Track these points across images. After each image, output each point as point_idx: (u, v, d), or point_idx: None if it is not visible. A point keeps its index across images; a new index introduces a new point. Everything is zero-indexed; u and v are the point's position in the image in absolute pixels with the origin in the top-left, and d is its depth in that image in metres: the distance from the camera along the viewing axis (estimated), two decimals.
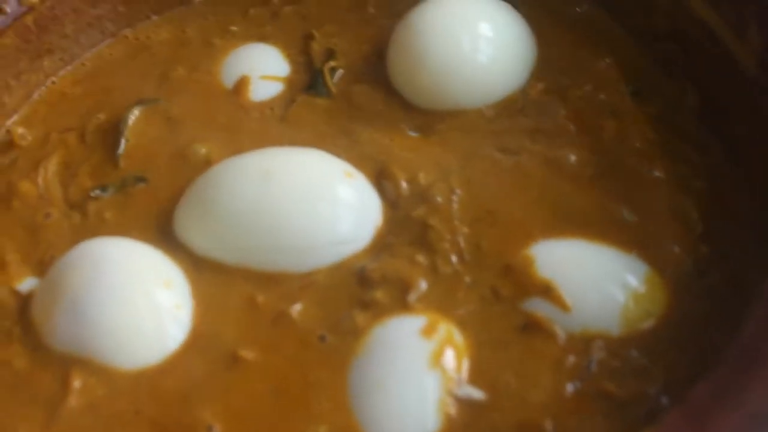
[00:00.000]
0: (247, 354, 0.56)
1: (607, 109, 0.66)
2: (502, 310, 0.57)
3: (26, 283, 0.60)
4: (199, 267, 0.60)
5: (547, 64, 0.68)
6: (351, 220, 0.60)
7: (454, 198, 0.61)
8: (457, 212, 0.61)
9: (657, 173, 0.62)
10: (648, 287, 0.57)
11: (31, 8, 0.70)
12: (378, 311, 0.57)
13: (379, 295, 0.57)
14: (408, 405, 0.53)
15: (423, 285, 0.58)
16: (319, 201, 0.59)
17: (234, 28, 0.74)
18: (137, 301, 0.56)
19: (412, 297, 0.57)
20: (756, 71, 0.60)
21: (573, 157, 0.63)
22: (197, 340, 0.57)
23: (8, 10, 0.69)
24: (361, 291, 0.58)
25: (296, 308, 0.58)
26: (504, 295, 0.57)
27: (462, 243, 0.59)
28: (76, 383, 0.55)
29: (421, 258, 0.59)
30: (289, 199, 0.59)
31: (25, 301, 0.59)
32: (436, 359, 0.54)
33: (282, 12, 0.75)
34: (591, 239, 0.59)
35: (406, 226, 0.60)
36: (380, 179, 0.63)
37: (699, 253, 0.58)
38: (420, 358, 0.54)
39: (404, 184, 0.62)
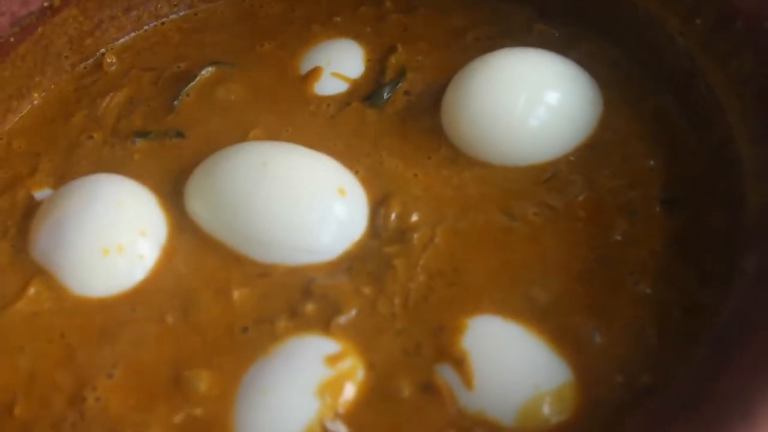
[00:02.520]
0: (171, 319, 0.61)
1: (628, 209, 0.64)
2: (415, 365, 0.58)
3: (44, 192, 0.68)
4: (183, 228, 0.65)
5: (594, 146, 0.67)
6: (323, 234, 0.63)
7: (430, 247, 0.62)
8: (425, 261, 0.62)
9: (643, 288, 0.60)
10: (558, 398, 0.56)
11: None
12: (301, 323, 0.60)
13: (310, 309, 0.60)
14: (279, 418, 0.56)
15: (353, 315, 0.60)
16: (301, 206, 0.63)
17: (338, 19, 0.77)
18: (108, 240, 0.63)
19: (337, 322, 0.59)
20: None
21: (567, 245, 0.62)
22: (143, 291, 0.63)
23: None
24: (299, 300, 0.61)
25: (241, 292, 0.61)
26: (424, 353, 0.59)
27: (412, 291, 0.61)
28: (31, 290, 0.63)
29: (367, 291, 0.61)
30: (276, 194, 0.63)
31: (33, 208, 0.67)
32: (325, 388, 0.57)
33: (389, 18, 0.77)
34: (533, 329, 0.59)
35: (373, 257, 0.63)
36: (378, 206, 0.65)
37: (637, 385, 0.56)
38: (311, 382, 0.57)
39: (393, 218, 0.64)
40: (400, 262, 0.62)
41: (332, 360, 0.58)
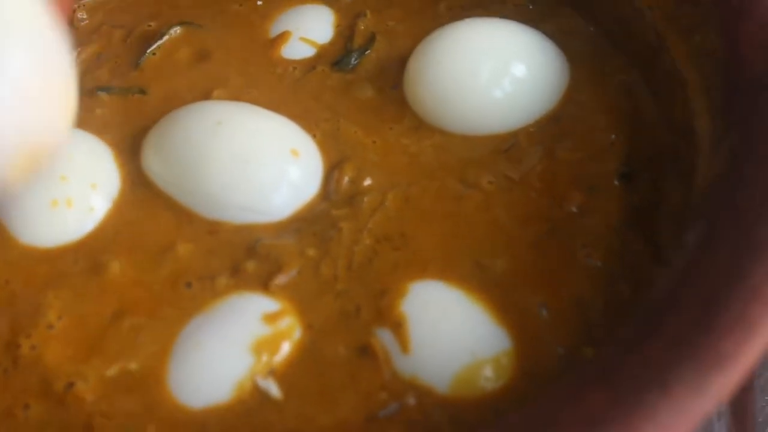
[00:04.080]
0: (116, 267, 0.61)
1: (585, 182, 0.63)
2: (353, 328, 0.58)
3: None
4: (137, 183, 0.65)
5: (558, 119, 0.66)
6: (274, 195, 0.63)
7: (379, 210, 0.62)
8: (372, 225, 0.62)
9: (594, 262, 0.60)
10: (495, 366, 0.55)
11: None
12: (241, 281, 0.60)
13: (251, 267, 0.60)
14: (212, 372, 0.56)
15: (294, 275, 0.59)
16: (251, 165, 0.63)
17: None
18: (57, 192, 0.63)
19: (277, 282, 0.59)
20: None
21: (520, 215, 0.62)
22: (88, 243, 0.63)
23: None
24: (242, 258, 0.61)
25: (187, 247, 0.62)
26: (363, 316, 0.58)
27: (357, 254, 0.60)
28: None
29: (311, 252, 0.61)
30: (227, 153, 0.63)
31: None
32: (261, 346, 0.57)
33: None
34: (477, 297, 0.58)
35: (321, 219, 0.63)
36: (332, 169, 0.65)
37: (580, 357, 0.56)
38: (246, 338, 0.57)
39: (346, 181, 0.64)
40: (347, 225, 0.62)
41: (270, 318, 0.57)
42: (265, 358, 0.56)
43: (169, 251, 0.62)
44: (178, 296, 0.60)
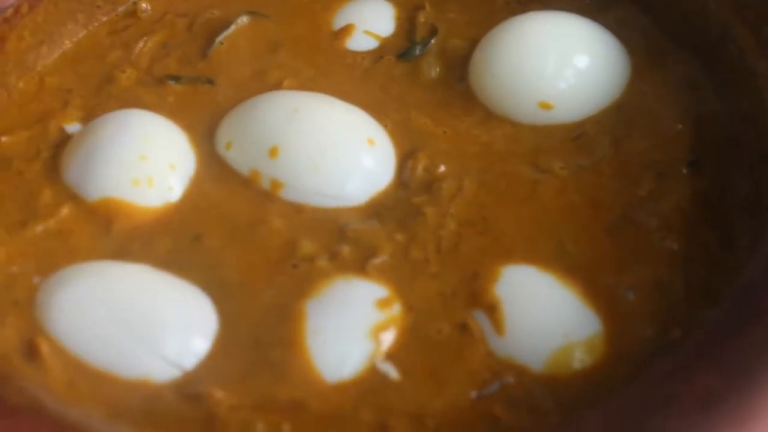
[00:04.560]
0: (212, 242, 0.62)
1: (654, 168, 0.65)
2: (449, 309, 0.59)
3: (74, 126, 0.69)
4: (213, 166, 0.66)
5: (622, 109, 0.68)
6: (349, 182, 0.64)
7: (458, 196, 0.64)
8: (454, 210, 0.63)
9: (670, 244, 0.62)
10: (588, 348, 0.57)
11: None
12: (340, 264, 0.61)
13: (346, 250, 0.61)
14: (336, 353, 0.58)
15: (387, 258, 0.61)
16: (329, 153, 0.64)
17: None
18: (138, 171, 0.64)
19: (373, 264, 0.61)
20: None
21: (594, 199, 0.64)
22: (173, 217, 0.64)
23: None
24: (335, 241, 0.62)
25: (278, 222, 0.63)
26: (459, 298, 0.60)
27: (444, 238, 0.62)
28: (64, 211, 0.64)
29: (399, 237, 0.62)
30: (305, 140, 0.64)
31: (64, 140, 0.68)
32: (378, 331, 0.58)
33: None
34: (564, 280, 0.60)
35: (402, 205, 0.64)
36: (405, 158, 0.66)
37: (666, 338, 0.58)
38: (365, 324, 0.58)
39: (421, 169, 0.65)
40: (430, 210, 0.63)
41: (383, 304, 0.59)
42: (382, 341, 0.58)
43: (261, 224, 0.63)
44: (288, 276, 0.61)
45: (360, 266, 0.61)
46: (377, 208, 0.64)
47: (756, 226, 0.60)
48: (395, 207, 0.64)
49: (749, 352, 0.51)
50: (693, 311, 0.58)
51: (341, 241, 0.62)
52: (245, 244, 0.63)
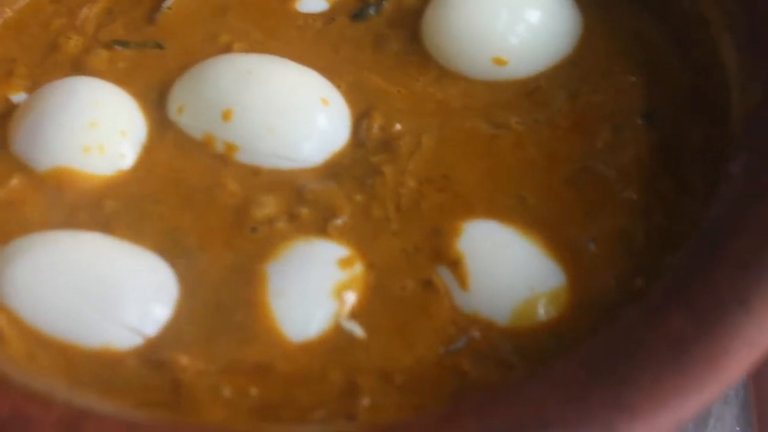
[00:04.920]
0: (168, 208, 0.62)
1: (610, 121, 0.65)
2: (413, 266, 0.59)
3: (20, 96, 0.68)
4: (165, 132, 0.65)
5: (576, 63, 0.68)
6: (305, 143, 0.64)
7: (417, 153, 0.63)
8: (413, 167, 0.63)
9: (630, 195, 0.62)
10: (552, 299, 0.57)
11: None
12: (300, 226, 0.60)
13: (305, 212, 0.61)
14: (300, 313, 0.57)
15: (347, 218, 0.60)
16: (283, 114, 0.64)
17: None
18: (87, 138, 0.63)
19: (332, 224, 0.60)
20: None
21: (552, 152, 0.64)
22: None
23: None
24: (293, 203, 0.61)
25: (234, 185, 0.62)
26: (422, 254, 0.59)
27: (403, 196, 0.61)
28: (14, 181, 0.63)
29: (359, 197, 0.62)
30: (259, 102, 0.64)
31: (9, 110, 0.66)
32: (340, 290, 0.58)
33: None
34: (527, 234, 0.60)
35: (360, 165, 0.63)
36: (361, 117, 0.65)
37: (630, 287, 0.58)
38: (328, 284, 0.58)
39: (377, 128, 0.65)
40: (388, 168, 0.63)
41: (345, 263, 0.58)
42: (346, 300, 0.57)
43: (217, 188, 0.62)
44: (247, 239, 0.60)
45: (320, 227, 0.60)
46: (335, 169, 0.63)
47: (711, 171, 0.61)
48: (353, 167, 0.63)
49: (716, 291, 0.51)
50: (655, 259, 0.59)
51: (300, 203, 0.61)
52: (202, 208, 0.62)
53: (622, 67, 0.68)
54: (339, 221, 0.60)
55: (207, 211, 0.62)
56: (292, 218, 0.61)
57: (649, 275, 0.58)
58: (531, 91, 0.67)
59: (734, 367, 0.46)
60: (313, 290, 0.57)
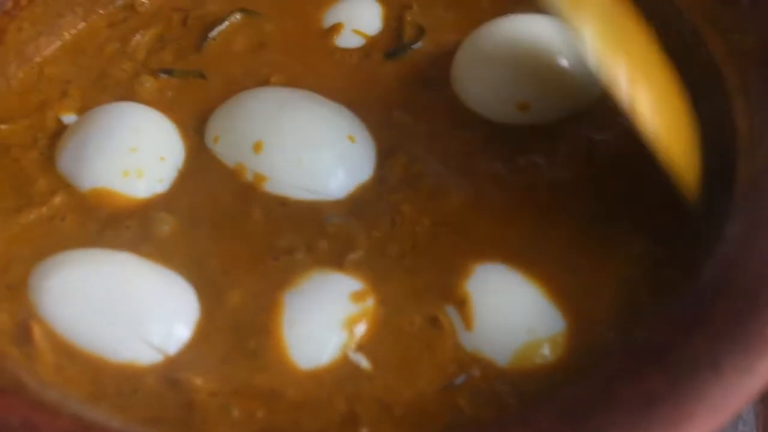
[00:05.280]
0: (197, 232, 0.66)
1: (627, 171, 0.67)
2: (422, 303, 0.62)
3: (70, 117, 0.72)
4: (202, 159, 0.69)
5: (596, 112, 0.70)
6: (331, 177, 0.67)
7: (436, 194, 0.66)
8: (430, 208, 0.66)
9: (637, 248, 0.64)
10: (551, 344, 0.60)
11: None
12: (318, 257, 0.64)
13: (324, 244, 0.64)
14: (311, 342, 0.61)
15: (363, 253, 0.64)
16: (311, 148, 0.67)
17: None
18: (128, 163, 0.67)
19: (349, 258, 0.63)
20: None
21: (565, 199, 0.66)
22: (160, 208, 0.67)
23: None
24: (314, 235, 0.65)
25: (260, 214, 0.66)
26: (430, 292, 0.62)
27: (419, 234, 0.65)
28: (57, 199, 0.67)
29: (377, 233, 0.65)
30: (289, 136, 0.68)
31: (60, 130, 0.71)
32: (351, 323, 0.61)
33: None
34: (532, 278, 0.63)
35: (381, 201, 0.67)
36: (386, 155, 0.69)
37: (630, 337, 0.60)
38: (339, 316, 0.61)
39: (400, 167, 0.68)
40: (407, 207, 0.66)
41: (357, 297, 0.62)
42: (355, 333, 0.60)
43: (244, 216, 0.66)
44: (268, 267, 0.64)
45: (337, 261, 0.63)
46: (357, 203, 0.66)
47: (716, 231, 0.63)
48: (374, 202, 0.66)
49: (694, 353, 0.53)
50: (658, 313, 0.60)
51: (320, 236, 0.65)
52: (229, 234, 0.65)
53: None
54: (355, 255, 0.64)
55: (233, 237, 0.65)
56: (310, 249, 0.64)
57: (650, 328, 0.60)
58: (553, 137, 0.69)
59: (698, 429, 0.49)
60: (325, 321, 0.60)
